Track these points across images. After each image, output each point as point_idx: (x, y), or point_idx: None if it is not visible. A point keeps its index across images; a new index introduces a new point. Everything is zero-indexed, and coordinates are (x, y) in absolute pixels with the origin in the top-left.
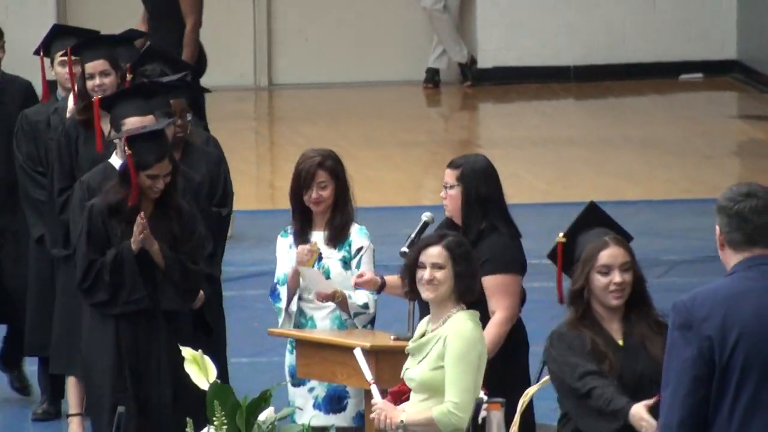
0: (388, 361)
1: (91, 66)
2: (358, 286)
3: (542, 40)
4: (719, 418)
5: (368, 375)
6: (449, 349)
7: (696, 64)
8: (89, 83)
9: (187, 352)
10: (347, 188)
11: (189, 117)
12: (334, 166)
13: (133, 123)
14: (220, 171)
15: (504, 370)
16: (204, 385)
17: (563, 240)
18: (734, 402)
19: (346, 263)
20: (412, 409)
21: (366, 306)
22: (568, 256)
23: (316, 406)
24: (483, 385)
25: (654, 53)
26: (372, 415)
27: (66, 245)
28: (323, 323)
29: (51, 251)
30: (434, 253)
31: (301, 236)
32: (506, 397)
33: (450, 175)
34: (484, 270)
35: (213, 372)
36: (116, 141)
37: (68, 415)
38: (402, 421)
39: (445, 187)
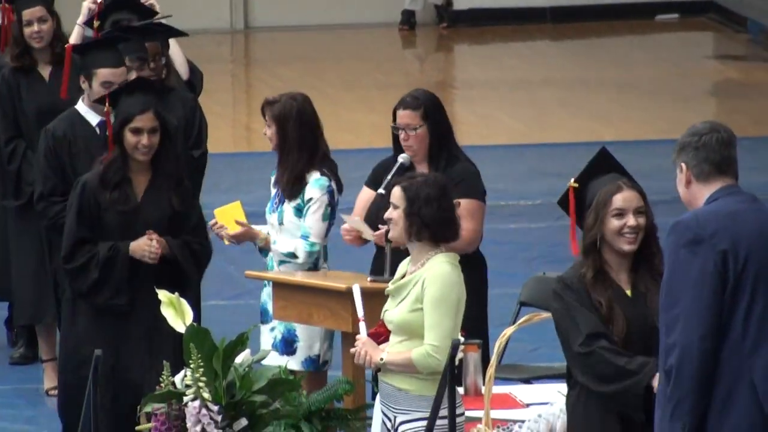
0: (366, 303)
1: (29, 13)
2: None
3: None
4: (732, 332)
5: (360, 312)
6: (427, 292)
7: (672, 4)
8: (27, 30)
9: (163, 294)
10: (300, 141)
11: (163, 60)
12: (279, 111)
13: (104, 75)
14: (196, 114)
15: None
16: (180, 327)
17: (575, 185)
18: (747, 316)
19: (299, 211)
20: (393, 350)
21: (292, 255)
22: (579, 204)
23: (273, 345)
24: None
25: None
26: (353, 349)
27: (17, 196)
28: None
29: (1, 202)
30: (394, 193)
31: (277, 177)
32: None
33: (411, 117)
34: (454, 192)
35: (189, 315)
36: (84, 87)
37: (42, 361)
38: (381, 359)
39: (404, 130)
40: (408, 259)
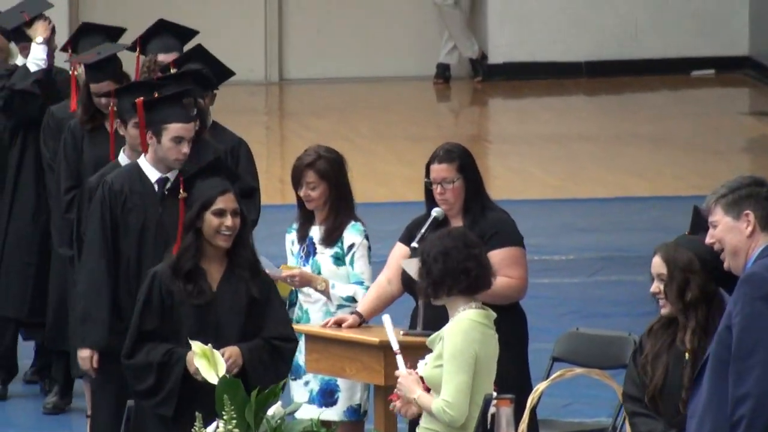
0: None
1: (96, 87)
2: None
3: (553, 36)
4: None
5: (395, 345)
6: (445, 346)
7: (708, 60)
8: (96, 100)
9: (196, 346)
10: (343, 190)
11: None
12: (325, 168)
13: (176, 130)
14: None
15: (504, 361)
16: (213, 379)
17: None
18: None
19: (338, 259)
20: (425, 395)
21: (351, 299)
22: None
23: (310, 400)
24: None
25: (666, 49)
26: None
27: (72, 245)
28: (316, 316)
29: (58, 250)
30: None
31: (301, 230)
32: (504, 389)
33: (448, 170)
34: (491, 245)
35: (222, 366)
36: (150, 143)
37: (87, 416)
38: (415, 399)
39: (441, 184)
40: None
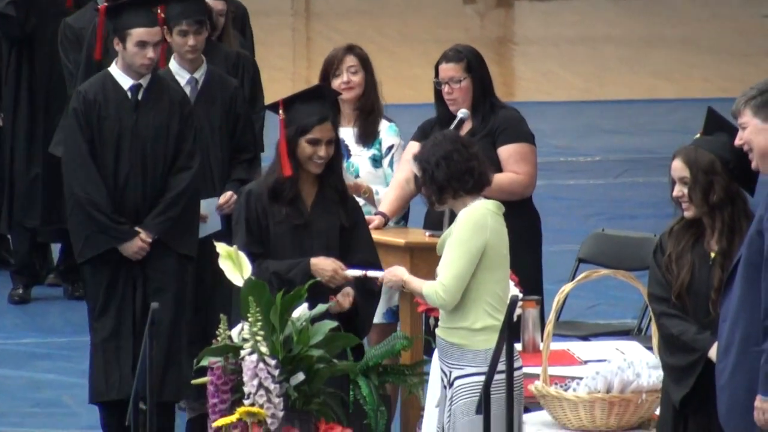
0: (423, 257)
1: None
2: None
3: None
4: None
5: (359, 272)
6: (455, 230)
7: None
8: None
9: (221, 247)
10: (375, 83)
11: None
12: (363, 54)
13: (139, 35)
14: (239, 73)
15: (520, 261)
16: (239, 281)
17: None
18: None
19: (376, 161)
20: (413, 279)
21: None
22: None
23: None
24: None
25: None
26: (383, 275)
27: None
28: None
29: (48, 148)
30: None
31: None
32: (521, 286)
33: (455, 69)
34: (501, 140)
35: (248, 268)
36: (117, 49)
37: None
38: (404, 282)
39: (448, 83)
40: None
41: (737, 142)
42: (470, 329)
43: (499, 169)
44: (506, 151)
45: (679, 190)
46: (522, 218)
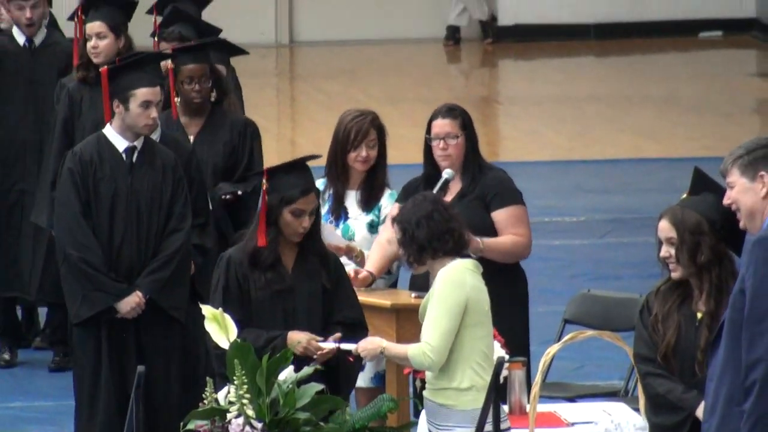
0: (409, 319)
1: (89, 27)
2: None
3: None
4: None
5: (332, 345)
6: (435, 290)
7: (715, 22)
8: (88, 44)
9: (207, 310)
10: (385, 150)
11: (209, 83)
12: (382, 126)
13: (144, 94)
14: (246, 141)
15: (507, 323)
16: (224, 344)
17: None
18: None
19: (373, 227)
20: (392, 345)
21: (387, 271)
22: None
23: None
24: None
25: (674, 11)
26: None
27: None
28: None
29: (33, 219)
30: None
31: (337, 196)
32: (509, 348)
33: (451, 125)
34: (495, 204)
35: (233, 331)
36: (117, 111)
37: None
38: (382, 350)
39: (444, 139)
40: None
41: (725, 201)
42: (457, 389)
43: (490, 233)
44: (502, 215)
45: (666, 250)
46: (509, 279)
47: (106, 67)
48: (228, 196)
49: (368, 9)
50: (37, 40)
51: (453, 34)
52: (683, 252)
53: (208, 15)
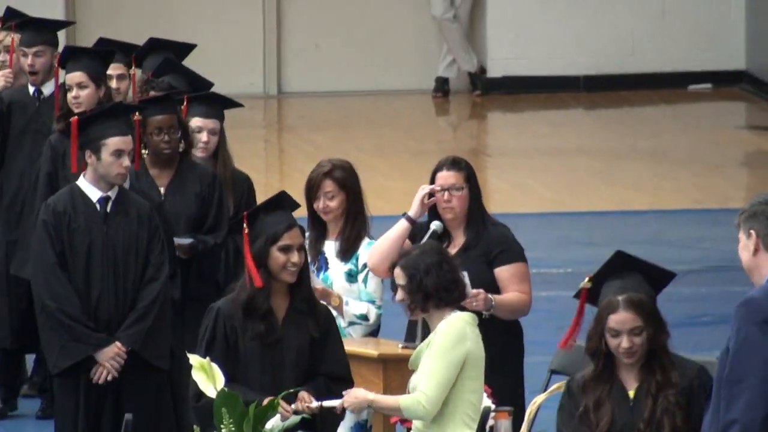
0: (397, 369)
1: (69, 78)
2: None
3: (552, 50)
4: None
5: (315, 404)
6: (436, 342)
7: (705, 74)
8: (68, 95)
9: (194, 359)
10: (360, 200)
11: (178, 134)
12: (343, 177)
13: (115, 143)
14: (215, 192)
15: (500, 375)
16: (211, 393)
17: (588, 285)
18: None
19: (351, 276)
20: (381, 396)
21: (364, 317)
22: (594, 302)
23: None
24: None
25: (663, 63)
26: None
27: None
28: None
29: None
30: (396, 273)
31: (316, 246)
32: (501, 401)
33: (456, 177)
34: (500, 261)
35: (221, 380)
36: (89, 162)
37: None
38: (370, 403)
39: (449, 190)
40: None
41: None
42: None
43: (490, 289)
44: (507, 272)
45: (630, 341)
46: (507, 332)
47: (75, 117)
48: (178, 253)
49: (357, 60)
50: (46, 90)
51: (442, 86)
52: (646, 336)
53: (195, 64)
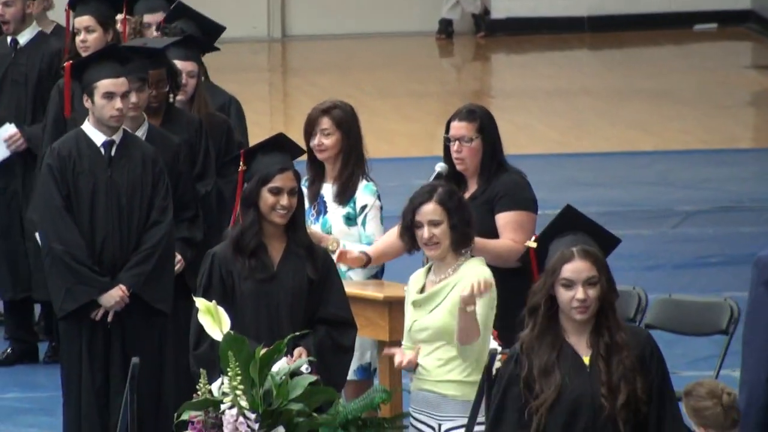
0: (402, 312)
1: (77, 21)
2: (339, 262)
3: None
4: None
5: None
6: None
7: (710, 14)
8: (77, 38)
9: (200, 302)
10: (357, 142)
11: (167, 87)
12: (341, 117)
13: (105, 86)
14: (201, 139)
15: (506, 320)
16: (218, 336)
17: (534, 245)
18: None
19: (350, 219)
20: (430, 358)
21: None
22: (541, 263)
23: None
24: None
25: (668, 3)
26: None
27: None
28: None
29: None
30: (429, 210)
31: (312, 189)
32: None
33: (467, 128)
34: (499, 206)
35: (227, 323)
36: (87, 106)
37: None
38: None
39: (459, 141)
40: (420, 271)
41: None
42: (464, 381)
43: (494, 236)
44: (504, 219)
45: (583, 293)
46: (519, 274)
47: (69, 62)
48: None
49: (360, 2)
50: (23, 39)
51: (445, 28)
52: (602, 284)
53: (198, 8)
